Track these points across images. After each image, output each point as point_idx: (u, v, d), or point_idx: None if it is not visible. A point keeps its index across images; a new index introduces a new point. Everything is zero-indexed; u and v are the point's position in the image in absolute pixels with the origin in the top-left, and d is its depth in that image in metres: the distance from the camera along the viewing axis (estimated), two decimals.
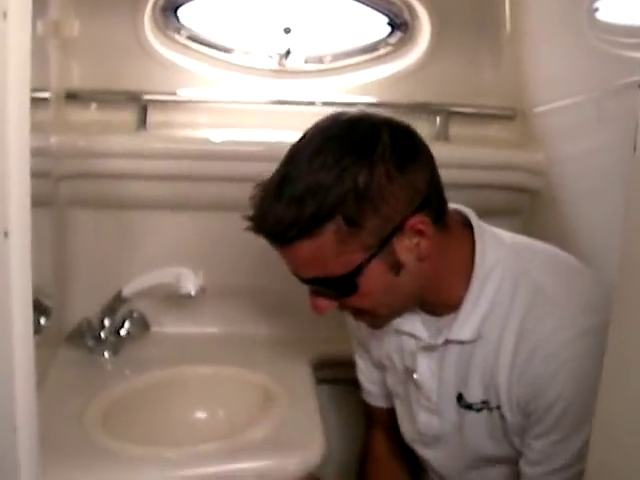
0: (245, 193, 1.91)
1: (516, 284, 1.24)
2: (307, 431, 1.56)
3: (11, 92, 1.01)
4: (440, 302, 1.30)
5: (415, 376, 1.37)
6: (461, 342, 1.28)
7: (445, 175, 1.90)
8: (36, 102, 1.62)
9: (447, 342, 1.30)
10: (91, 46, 1.93)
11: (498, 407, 1.27)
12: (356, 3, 2.07)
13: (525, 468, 1.26)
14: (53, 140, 1.77)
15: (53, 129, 1.77)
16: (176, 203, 1.95)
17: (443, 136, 2.04)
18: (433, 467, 1.46)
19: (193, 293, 1.80)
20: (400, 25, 2.09)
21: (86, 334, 1.88)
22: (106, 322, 1.89)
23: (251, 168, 1.88)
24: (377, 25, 2.10)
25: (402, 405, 1.47)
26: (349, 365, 1.64)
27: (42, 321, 1.69)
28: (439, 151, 1.88)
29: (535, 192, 1.98)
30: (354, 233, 1.16)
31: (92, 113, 1.97)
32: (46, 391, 1.66)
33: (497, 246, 1.28)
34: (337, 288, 1.23)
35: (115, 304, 1.89)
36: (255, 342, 1.95)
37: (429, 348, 1.33)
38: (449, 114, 2.04)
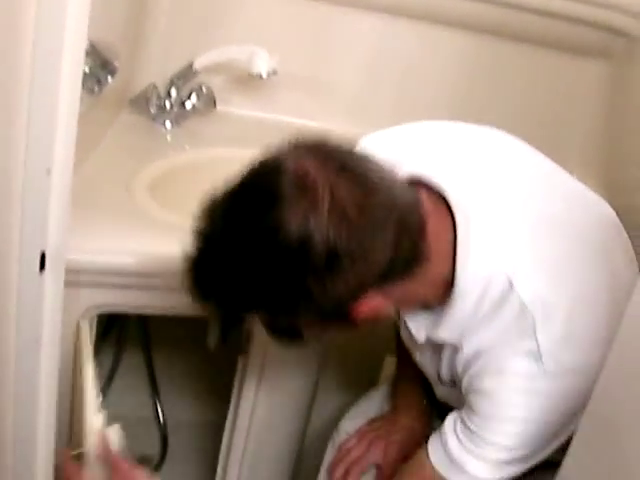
0: None
1: (503, 300, 1.10)
2: None
3: None
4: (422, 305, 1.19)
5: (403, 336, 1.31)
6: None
7: (540, 3, 1.79)
8: None
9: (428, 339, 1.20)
10: None
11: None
12: None
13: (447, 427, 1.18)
14: None
15: None
16: None
17: None
18: None
19: (264, 74, 1.73)
20: None
21: (151, 100, 1.84)
22: (173, 92, 1.84)
23: None
24: None
25: None
26: None
27: (108, 79, 1.65)
28: None
29: (634, 37, 1.84)
30: (285, 317, 1.07)
31: None
32: (100, 152, 1.65)
33: (484, 256, 1.09)
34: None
35: (185, 75, 1.84)
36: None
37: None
38: None
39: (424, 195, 1.09)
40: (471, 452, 1.13)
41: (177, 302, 1.43)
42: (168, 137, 1.82)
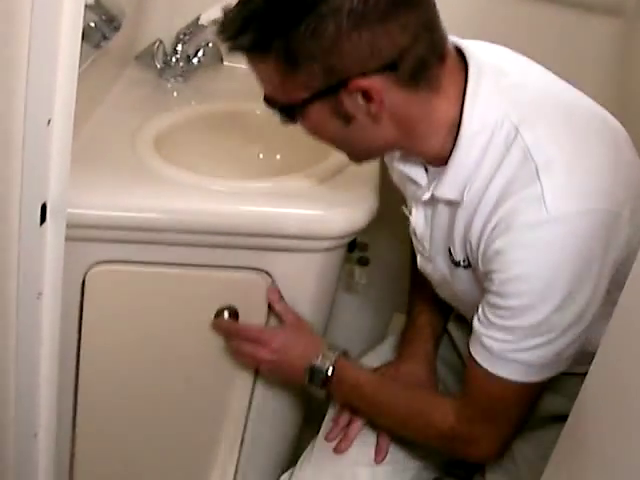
0: None
1: (508, 147, 1.12)
2: (361, 189, 1.48)
3: None
4: (428, 156, 1.22)
5: (411, 220, 1.33)
6: (446, 201, 1.22)
7: None
8: None
9: (433, 198, 1.24)
10: None
11: (476, 268, 1.22)
12: None
13: (475, 321, 1.21)
14: None
15: None
16: None
17: None
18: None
19: None
20: None
21: (157, 56, 1.82)
22: (179, 47, 1.82)
23: None
24: None
25: None
26: None
27: (114, 34, 1.63)
28: None
29: None
30: (293, 71, 1.11)
31: None
32: (106, 108, 1.64)
33: (492, 102, 1.14)
34: (281, 113, 1.21)
35: (191, 30, 1.81)
36: None
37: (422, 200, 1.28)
38: None
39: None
40: (500, 328, 1.15)
41: (183, 256, 1.43)
42: (174, 93, 1.80)
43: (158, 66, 1.81)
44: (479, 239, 1.16)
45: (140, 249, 1.40)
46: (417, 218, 1.31)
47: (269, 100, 1.20)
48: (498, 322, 1.16)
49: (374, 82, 1.09)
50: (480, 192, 1.15)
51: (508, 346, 1.15)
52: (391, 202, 1.44)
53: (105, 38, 1.61)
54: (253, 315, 1.51)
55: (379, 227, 1.48)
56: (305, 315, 1.50)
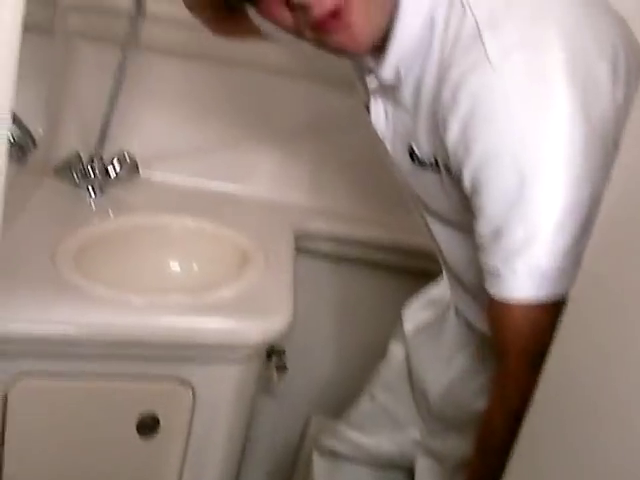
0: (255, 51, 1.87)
1: (450, 16, 0.99)
2: (277, 299, 1.55)
3: None
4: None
5: (371, 117, 1.20)
6: (386, 85, 1.11)
7: None
8: None
9: (380, 85, 1.12)
10: None
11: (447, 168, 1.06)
12: None
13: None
14: None
15: None
16: (186, 51, 1.89)
17: None
18: None
19: None
20: None
21: (74, 168, 1.84)
22: (96, 160, 1.86)
23: None
24: None
25: None
26: (331, 239, 1.62)
27: (31, 147, 1.66)
28: None
29: None
30: None
31: None
32: (24, 221, 1.65)
33: None
34: None
35: (108, 142, 1.85)
36: (243, 203, 1.93)
37: (375, 91, 1.17)
38: None
39: None
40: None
41: (104, 368, 1.45)
42: (92, 205, 1.82)
43: (76, 179, 1.84)
44: (427, 124, 1.04)
45: (61, 362, 1.42)
46: (376, 115, 1.18)
47: None
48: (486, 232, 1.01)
49: None
50: (420, 66, 1.04)
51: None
52: (307, 309, 1.50)
53: (23, 151, 1.64)
54: (175, 422, 1.53)
55: (297, 333, 1.53)
56: (226, 422, 1.52)
